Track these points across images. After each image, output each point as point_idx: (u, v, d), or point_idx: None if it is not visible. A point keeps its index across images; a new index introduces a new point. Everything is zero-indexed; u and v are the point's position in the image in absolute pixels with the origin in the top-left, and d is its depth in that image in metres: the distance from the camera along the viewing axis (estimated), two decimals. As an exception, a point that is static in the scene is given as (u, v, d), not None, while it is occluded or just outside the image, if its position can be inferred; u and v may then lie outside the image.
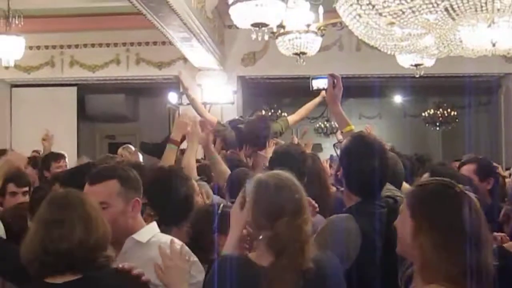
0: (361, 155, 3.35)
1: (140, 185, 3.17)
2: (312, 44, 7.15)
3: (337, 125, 5.75)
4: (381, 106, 19.48)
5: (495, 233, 3.53)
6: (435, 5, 3.66)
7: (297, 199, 2.72)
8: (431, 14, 3.79)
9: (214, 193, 4.75)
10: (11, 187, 4.75)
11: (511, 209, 4.13)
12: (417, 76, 8.03)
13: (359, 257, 3.12)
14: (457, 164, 5.82)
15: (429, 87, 15.37)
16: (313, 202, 3.39)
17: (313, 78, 4.17)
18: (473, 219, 2.27)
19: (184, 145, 6.97)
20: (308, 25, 6.98)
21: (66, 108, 13.51)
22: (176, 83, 11.29)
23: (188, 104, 8.20)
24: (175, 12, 8.02)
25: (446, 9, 3.69)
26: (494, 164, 6.32)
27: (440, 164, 5.68)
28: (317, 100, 6.89)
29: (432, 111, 18.74)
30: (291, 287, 2.57)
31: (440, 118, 18.60)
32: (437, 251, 2.29)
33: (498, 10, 3.74)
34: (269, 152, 5.58)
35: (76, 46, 12.97)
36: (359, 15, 4.07)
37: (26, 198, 4.76)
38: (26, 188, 4.91)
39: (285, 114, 15.93)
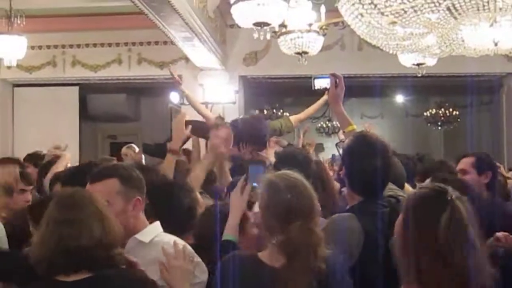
0: (363, 155, 3.35)
1: (143, 184, 3.17)
2: (314, 44, 7.15)
3: (339, 125, 5.73)
4: (383, 106, 19.48)
5: (498, 234, 3.52)
6: (437, 4, 3.66)
7: (309, 201, 2.74)
8: (433, 14, 3.79)
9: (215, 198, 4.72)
10: (21, 185, 4.79)
11: None
12: (419, 75, 8.03)
13: (362, 256, 3.12)
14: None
15: (431, 87, 15.36)
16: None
17: (315, 78, 4.17)
18: (450, 230, 2.30)
19: (186, 145, 6.99)
20: (310, 25, 6.98)
21: (68, 108, 13.51)
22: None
23: (189, 104, 8.19)
24: (176, 12, 8.02)
25: (448, 8, 3.69)
26: (497, 163, 6.33)
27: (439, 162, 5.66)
28: (322, 100, 6.83)
29: (434, 111, 18.73)
30: None
31: (442, 118, 18.60)
32: (412, 254, 2.33)
33: (500, 9, 3.74)
34: (270, 152, 5.55)
35: (78, 46, 12.97)
36: (361, 15, 4.07)
37: (30, 197, 4.83)
38: (31, 187, 4.96)
39: (287, 114, 15.95)
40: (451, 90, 16.21)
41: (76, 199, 2.61)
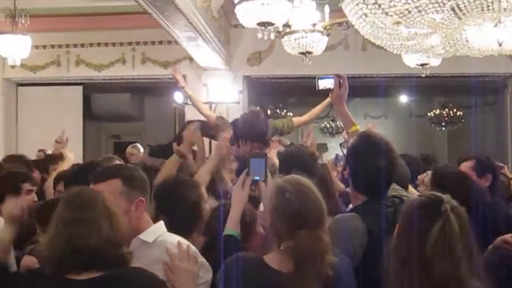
0: (367, 154, 3.34)
1: (146, 185, 3.17)
2: (318, 44, 7.14)
3: (342, 125, 5.70)
4: (387, 106, 19.45)
5: (506, 236, 3.49)
6: (441, 4, 3.65)
7: (318, 208, 2.74)
8: (437, 14, 3.78)
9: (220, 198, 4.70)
10: (27, 185, 4.84)
11: None
12: (423, 75, 8.01)
13: (365, 256, 3.12)
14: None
15: (435, 87, 15.35)
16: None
17: (319, 78, 4.16)
18: (438, 243, 2.28)
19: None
20: (314, 25, 6.97)
21: (72, 107, 13.54)
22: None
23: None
24: (181, 12, 8.02)
25: (453, 9, 3.69)
26: (500, 164, 6.31)
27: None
28: (326, 102, 6.80)
29: (438, 111, 18.72)
30: None
31: (446, 118, 18.59)
32: (399, 265, 2.33)
33: (505, 9, 3.73)
34: (272, 153, 5.52)
35: (82, 45, 12.99)
36: (365, 15, 4.07)
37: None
38: (35, 188, 5.01)
39: (291, 114, 15.98)
40: (455, 91, 16.20)
41: (84, 198, 2.61)
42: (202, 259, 3.04)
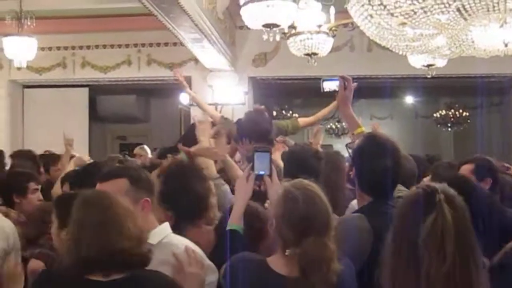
0: (373, 155, 3.33)
1: (152, 186, 3.18)
2: (324, 45, 7.14)
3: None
4: (393, 107, 19.45)
5: None
6: (447, 5, 3.65)
7: (325, 215, 2.74)
8: (443, 15, 3.77)
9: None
10: (33, 185, 4.91)
11: None
12: (429, 76, 7.99)
13: (371, 257, 3.11)
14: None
15: (440, 88, 15.34)
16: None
17: (324, 80, 4.16)
18: (430, 237, 2.20)
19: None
20: (320, 26, 6.97)
21: (77, 109, 13.57)
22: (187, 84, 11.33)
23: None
24: (186, 13, 8.03)
25: (458, 9, 3.68)
26: (506, 164, 6.29)
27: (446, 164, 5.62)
28: (333, 104, 6.75)
29: (443, 112, 18.71)
30: None
31: (452, 119, 18.57)
32: (389, 260, 2.30)
33: (511, 10, 3.73)
34: (277, 155, 5.50)
35: (88, 47, 13.02)
36: (371, 16, 4.07)
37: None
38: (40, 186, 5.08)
39: (296, 115, 15.97)
40: (461, 91, 16.19)
41: (102, 200, 2.62)
42: (207, 262, 3.05)
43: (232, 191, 4.04)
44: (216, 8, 9.87)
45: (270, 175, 3.27)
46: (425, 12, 3.73)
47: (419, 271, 2.18)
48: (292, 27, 6.93)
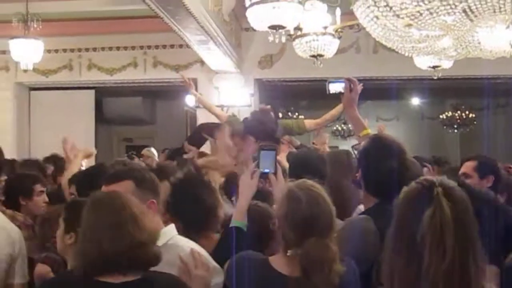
0: (379, 157, 3.33)
1: (158, 187, 3.18)
2: (329, 47, 7.13)
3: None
4: (399, 109, 19.43)
5: None
6: (453, 6, 3.64)
7: (328, 216, 2.74)
8: (449, 16, 3.77)
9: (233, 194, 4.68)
10: (39, 187, 4.95)
11: None
12: (435, 78, 7.98)
13: (377, 258, 3.10)
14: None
15: (446, 89, 15.31)
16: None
17: (329, 82, 4.16)
18: (429, 231, 2.15)
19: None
20: (325, 27, 6.96)
21: (84, 111, 13.61)
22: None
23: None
24: (192, 15, 8.04)
25: (464, 11, 3.67)
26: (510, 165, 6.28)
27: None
28: (340, 107, 6.73)
29: (450, 113, 18.69)
30: None
31: (458, 120, 18.55)
32: (391, 253, 2.28)
33: (517, 11, 3.72)
34: (282, 156, 5.49)
35: (94, 49, 13.05)
36: (377, 17, 4.06)
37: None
38: (45, 189, 5.11)
39: (302, 117, 15.97)
40: (467, 93, 16.16)
41: (110, 202, 2.62)
42: (213, 264, 3.05)
43: None
44: (222, 10, 9.88)
45: (275, 173, 3.28)
46: (431, 13, 3.72)
47: (419, 269, 2.16)
48: (298, 28, 6.92)
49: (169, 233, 3.13)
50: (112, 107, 16.18)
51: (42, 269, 3.86)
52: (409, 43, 4.47)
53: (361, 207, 3.94)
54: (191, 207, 3.52)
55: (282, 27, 6.00)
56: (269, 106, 6.17)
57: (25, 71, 10.64)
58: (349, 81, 4.05)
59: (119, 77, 13.06)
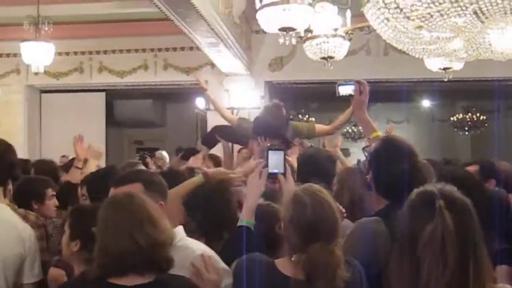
0: (390, 158, 3.32)
1: (166, 190, 3.20)
2: (340, 48, 7.12)
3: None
4: (409, 111, 19.38)
5: None
6: (463, 8, 3.63)
7: (333, 221, 2.74)
8: (460, 17, 3.76)
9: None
10: (50, 191, 4.99)
11: None
12: (446, 80, 7.96)
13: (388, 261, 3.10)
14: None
15: (457, 91, 15.27)
16: (341, 207, 3.40)
17: (339, 85, 4.15)
18: (429, 245, 2.17)
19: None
20: (336, 29, 6.96)
21: (94, 113, 13.66)
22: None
23: (215, 109, 8.23)
24: (202, 18, 8.05)
25: (475, 12, 3.66)
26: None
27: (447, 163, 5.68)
28: (348, 111, 6.72)
29: (460, 116, 18.63)
30: None
31: (469, 123, 18.49)
32: (395, 261, 2.27)
33: (528, 13, 3.71)
34: (293, 158, 5.49)
35: (105, 52, 13.10)
36: (387, 19, 4.05)
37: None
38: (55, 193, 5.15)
39: (313, 119, 15.97)
40: (478, 95, 16.10)
41: (131, 202, 2.62)
42: (222, 265, 3.05)
43: None
44: (232, 13, 9.89)
45: (284, 174, 3.28)
46: (441, 15, 3.71)
47: (418, 280, 2.16)
48: (308, 30, 6.92)
49: (178, 235, 3.13)
50: (122, 110, 16.23)
51: (55, 272, 3.87)
52: (420, 45, 4.46)
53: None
54: (211, 219, 3.52)
55: (293, 29, 6.00)
56: (278, 102, 6.16)
57: (36, 73, 10.70)
58: (358, 83, 4.04)
59: (129, 80, 13.10)
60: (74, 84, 13.40)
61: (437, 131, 19.14)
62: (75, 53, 13.11)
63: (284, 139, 5.54)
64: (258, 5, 5.90)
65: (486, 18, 3.70)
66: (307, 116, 18.02)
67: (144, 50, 12.98)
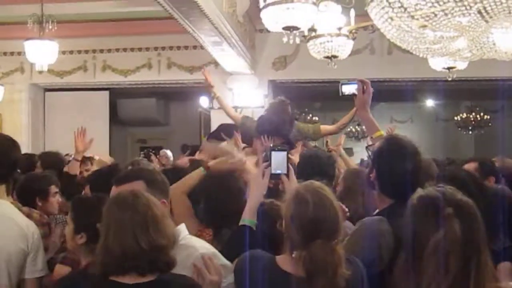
0: (394, 157, 3.32)
1: (167, 187, 3.20)
2: (344, 48, 7.11)
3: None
4: (413, 110, 19.38)
5: None
6: (468, 7, 3.62)
7: (334, 219, 2.73)
8: (464, 17, 3.75)
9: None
10: (54, 188, 5.02)
11: None
12: (450, 79, 7.94)
13: (392, 259, 3.09)
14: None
15: (461, 91, 15.24)
16: (344, 206, 3.39)
17: (342, 84, 4.15)
18: (435, 253, 2.19)
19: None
20: (340, 29, 6.94)
21: (98, 112, 13.66)
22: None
23: (219, 108, 8.23)
24: (206, 16, 8.05)
25: (479, 12, 3.65)
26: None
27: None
28: (352, 111, 6.75)
29: (464, 115, 18.62)
30: None
31: (473, 122, 18.48)
32: (400, 262, 2.28)
33: (532, 12, 3.70)
34: (296, 156, 5.49)
35: (108, 50, 13.10)
36: (391, 18, 4.05)
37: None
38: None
39: (316, 118, 15.96)
40: (482, 94, 16.08)
41: (137, 201, 2.62)
42: (224, 261, 3.05)
43: None
44: (236, 11, 9.88)
45: (287, 174, 3.28)
46: (445, 14, 3.71)
47: (420, 283, 2.17)
48: (312, 29, 6.91)
49: (180, 233, 3.13)
50: (126, 109, 16.25)
51: (61, 269, 3.87)
52: (424, 44, 4.46)
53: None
54: (224, 214, 3.56)
55: (296, 28, 5.99)
56: (282, 98, 6.16)
57: (40, 72, 10.71)
58: (362, 82, 4.03)
59: (133, 79, 13.10)
60: (78, 83, 13.40)
61: (441, 130, 19.13)
62: (79, 51, 13.11)
63: (285, 137, 5.54)
64: (262, 4, 5.89)
65: (490, 17, 3.69)
66: (310, 115, 18.02)
67: (147, 49, 12.98)
